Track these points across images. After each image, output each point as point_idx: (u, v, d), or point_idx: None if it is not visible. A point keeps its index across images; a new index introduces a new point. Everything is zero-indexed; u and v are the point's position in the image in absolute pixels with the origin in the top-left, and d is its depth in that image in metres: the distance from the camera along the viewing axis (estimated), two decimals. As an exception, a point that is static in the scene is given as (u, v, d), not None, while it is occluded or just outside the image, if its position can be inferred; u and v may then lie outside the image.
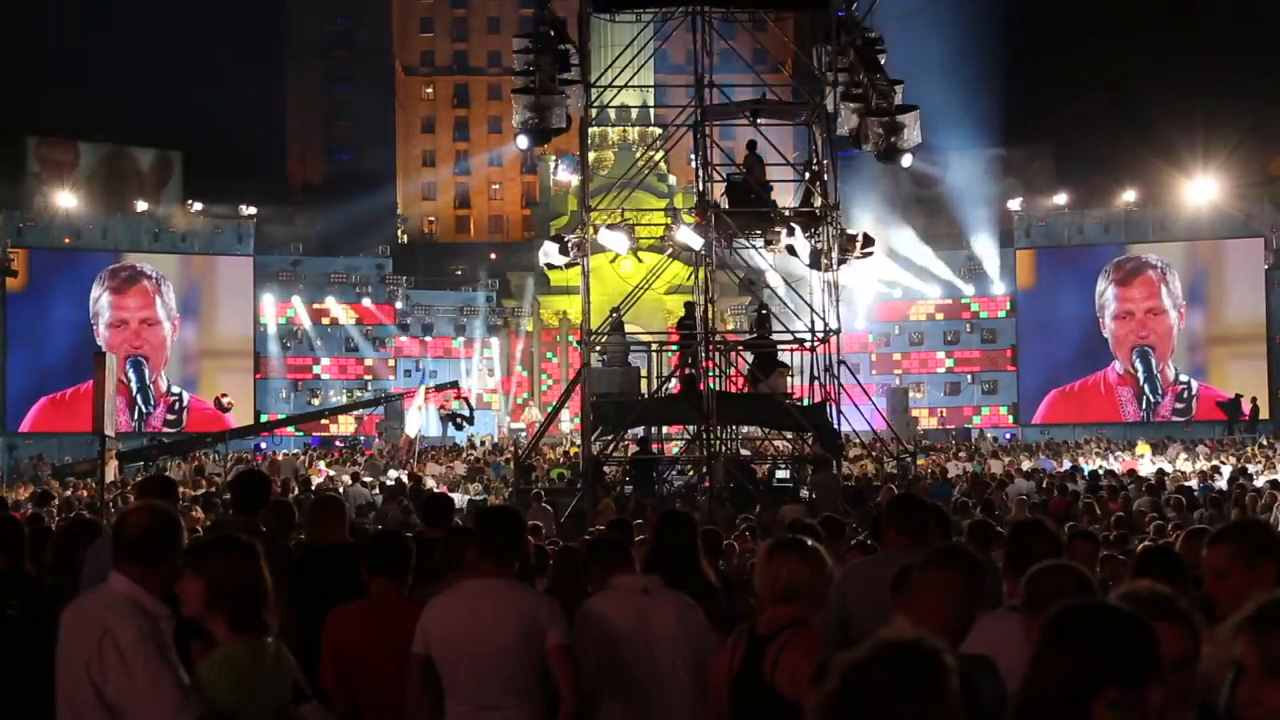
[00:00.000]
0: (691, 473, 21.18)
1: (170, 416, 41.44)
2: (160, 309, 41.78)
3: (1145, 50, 54.23)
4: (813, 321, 21.12)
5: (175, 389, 41.88)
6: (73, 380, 37.70)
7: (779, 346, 21.76)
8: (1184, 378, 41.81)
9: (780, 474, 21.12)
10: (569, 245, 20.53)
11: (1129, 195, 43.38)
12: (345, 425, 41.05)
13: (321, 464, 31.04)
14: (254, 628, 3.81)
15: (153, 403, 41.40)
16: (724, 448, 20.37)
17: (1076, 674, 2.41)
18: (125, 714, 3.69)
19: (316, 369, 43.77)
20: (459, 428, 37.50)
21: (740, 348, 22.83)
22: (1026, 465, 28.38)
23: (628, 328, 22.72)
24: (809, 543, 4.51)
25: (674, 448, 24.20)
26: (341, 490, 20.08)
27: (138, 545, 3.94)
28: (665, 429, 23.42)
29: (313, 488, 20.97)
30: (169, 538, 4.00)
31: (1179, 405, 41.70)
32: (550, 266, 21.38)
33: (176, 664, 3.73)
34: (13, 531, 5.54)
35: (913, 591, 3.87)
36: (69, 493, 23.71)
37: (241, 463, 30.76)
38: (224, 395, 36.68)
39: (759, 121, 22.96)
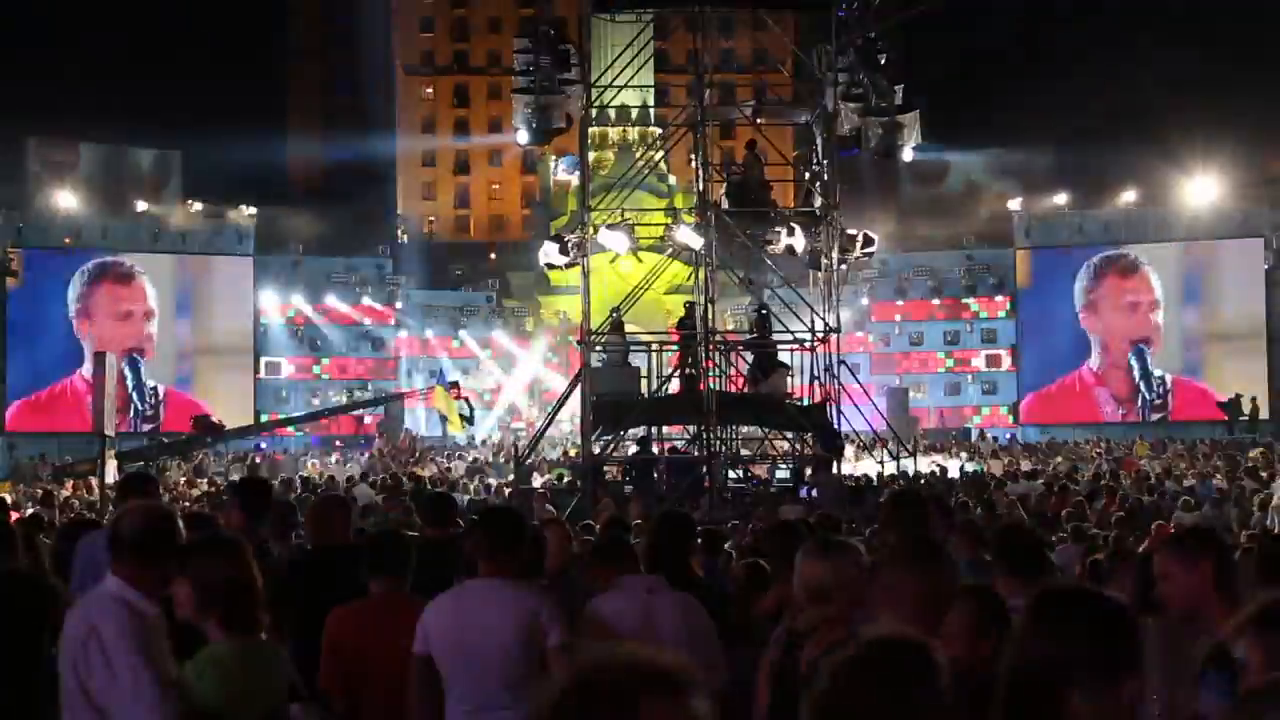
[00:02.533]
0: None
1: (148, 411, 41.24)
2: (153, 307, 41.63)
3: (1146, 50, 54.26)
4: (812, 321, 21.12)
5: (152, 384, 41.64)
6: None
7: (779, 346, 21.74)
8: (1158, 372, 41.86)
9: (780, 474, 21.12)
10: (569, 245, 20.53)
11: (1129, 195, 43.35)
12: (345, 425, 40.99)
13: (315, 461, 31.02)
14: (245, 627, 3.80)
15: (147, 401, 41.31)
16: (724, 447, 20.37)
17: (1052, 657, 2.41)
18: (109, 712, 3.69)
19: (316, 369, 43.72)
20: (460, 429, 37.56)
21: (740, 348, 22.81)
22: (1026, 466, 28.37)
23: (628, 328, 22.71)
24: (838, 543, 4.50)
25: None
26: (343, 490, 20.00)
27: (132, 544, 3.93)
28: (665, 429, 23.39)
29: (314, 487, 20.95)
30: (164, 537, 3.99)
31: (1157, 401, 41.81)
32: (550, 266, 21.39)
33: (161, 662, 3.71)
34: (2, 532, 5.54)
35: (882, 588, 3.90)
36: (67, 493, 23.69)
37: (240, 462, 30.77)
38: (208, 416, 36.37)
39: (759, 121, 22.96)
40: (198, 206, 43.34)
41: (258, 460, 31.90)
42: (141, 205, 42.58)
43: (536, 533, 6.24)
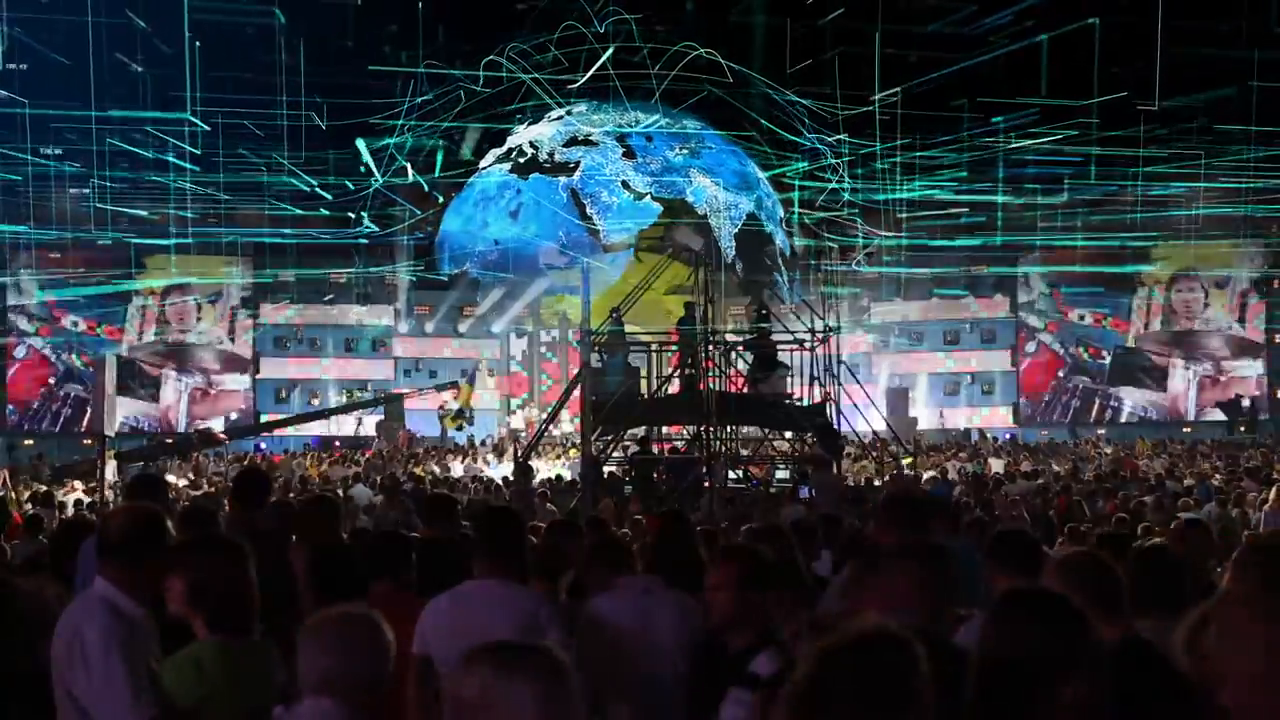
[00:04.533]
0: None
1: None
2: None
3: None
4: (812, 321, 21.13)
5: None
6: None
7: (779, 346, 21.76)
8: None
9: (780, 474, 21.13)
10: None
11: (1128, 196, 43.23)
12: (345, 425, 40.92)
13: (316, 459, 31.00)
14: (233, 628, 3.80)
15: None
16: (724, 448, 20.37)
17: (1021, 653, 2.56)
18: (90, 713, 3.70)
19: (316, 369, 43.67)
20: (459, 428, 37.52)
21: (740, 348, 22.82)
22: (1026, 466, 28.36)
23: (628, 328, 22.72)
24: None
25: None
26: (342, 491, 19.98)
27: (118, 546, 3.94)
28: (665, 429, 23.41)
29: (313, 487, 20.93)
30: (151, 538, 3.98)
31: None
32: (551, 267, 21.41)
33: (140, 664, 3.71)
34: None
35: (865, 585, 3.91)
36: (63, 493, 23.64)
37: (239, 462, 30.77)
38: (202, 423, 36.36)
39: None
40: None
41: (257, 460, 31.90)
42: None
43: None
